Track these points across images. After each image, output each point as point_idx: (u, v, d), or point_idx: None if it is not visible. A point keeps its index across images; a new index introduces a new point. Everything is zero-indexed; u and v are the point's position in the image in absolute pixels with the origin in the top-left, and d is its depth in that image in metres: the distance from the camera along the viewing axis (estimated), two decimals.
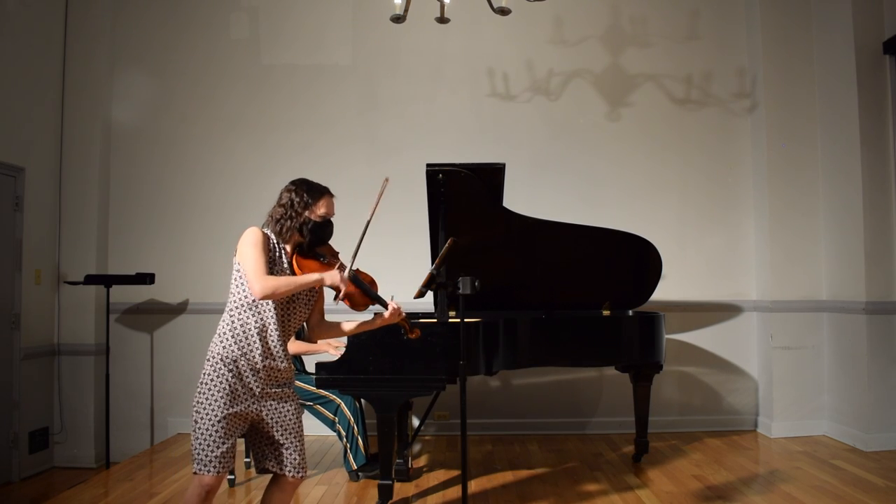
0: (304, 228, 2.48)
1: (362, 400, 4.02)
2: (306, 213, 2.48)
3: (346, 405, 4.08)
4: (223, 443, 2.34)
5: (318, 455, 4.73)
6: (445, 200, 3.89)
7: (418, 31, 5.22)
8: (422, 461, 4.55)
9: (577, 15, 5.49)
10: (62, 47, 5.10)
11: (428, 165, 3.81)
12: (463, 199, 3.94)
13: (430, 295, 3.82)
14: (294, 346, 4.10)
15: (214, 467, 2.33)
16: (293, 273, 2.45)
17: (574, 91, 5.49)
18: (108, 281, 4.81)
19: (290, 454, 2.47)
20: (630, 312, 4.63)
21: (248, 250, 2.34)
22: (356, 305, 2.54)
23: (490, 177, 4.01)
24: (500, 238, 4.29)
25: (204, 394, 2.35)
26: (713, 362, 5.43)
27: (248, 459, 4.49)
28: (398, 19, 3.86)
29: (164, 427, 5.26)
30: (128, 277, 4.79)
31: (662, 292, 4.95)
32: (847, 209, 4.94)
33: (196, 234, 5.34)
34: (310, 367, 4.36)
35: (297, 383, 4.10)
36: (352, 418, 4.06)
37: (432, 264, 3.72)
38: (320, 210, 2.53)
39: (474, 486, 3.96)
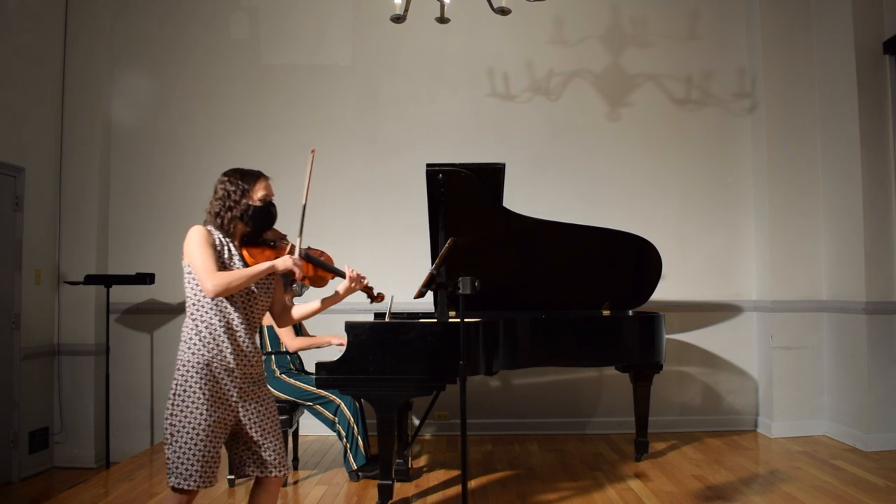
0: (245, 216, 2.40)
1: (362, 400, 4.02)
2: (245, 201, 2.40)
3: (346, 405, 4.07)
4: (206, 454, 2.26)
5: (318, 455, 4.73)
6: (445, 200, 3.89)
7: (418, 31, 5.22)
8: (422, 461, 4.55)
9: (577, 15, 5.49)
10: (62, 47, 5.10)
11: (428, 165, 3.81)
12: (463, 199, 3.94)
13: (430, 295, 3.82)
14: (298, 341, 4.10)
15: (195, 481, 2.24)
16: (246, 266, 2.38)
17: (574, 91, 5.50)
18: (108, 281, 4.81)
19: (270, 454, 2.40)
20: (630, 312, 4.63)
21: (195, 249, 2.28)
22: (316, 282, 2.49)
23: (490, 177, 4.01)
24: (500, 238, 4.29)
25: (178, 405, 2.26)
26: (713, 362, 5.43)
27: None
28: (398, 19, 3.86)
29: (164, 427, 5.25)
30: (128, 277, 4.79)
31: (662, 292, 4.95)
32: (847, 209, 4.94)
33: None
34: (310, 366, 4.36)
35: (297, 383, 4.10)
36: (352, 418, 4.06)
37: (432, 264, 3.72)
38: (258, 194, 2.42)
39: (474, 485, 3.96)
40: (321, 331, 4.67)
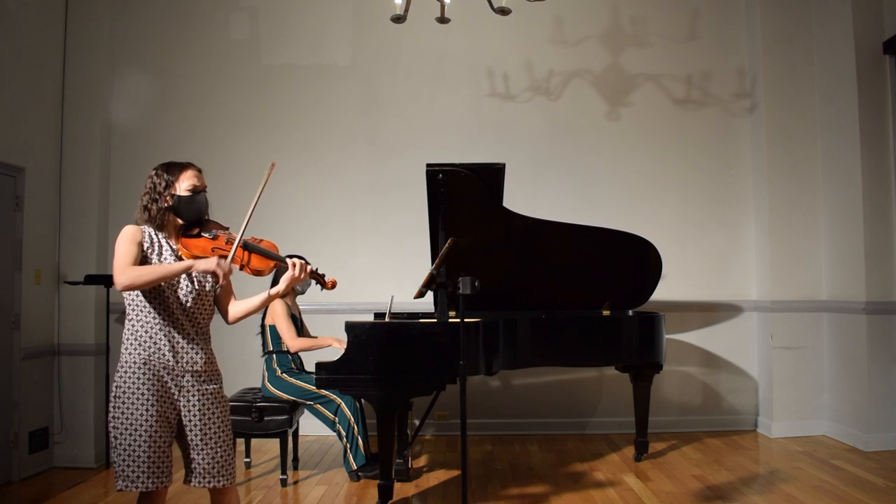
0: (173, 207, 2.37)
1: (362, 400, 4.02)
2: (170, 191, 2.37)
3: (346, 405, 4.08)
4: (151, 454, 2.22)
5: (318, 455, 4.73)
6: (446, 200, 3.89)
7: (418, 31, 5.22)
8: (422, 461, 4.55)
9: (577, 15, 5.49)
10: (62, 47, 5.09)
11: (428, 165, 3.81)
12: (463, 199, 3.94)
13: (430, 295, 3.82)
14: (299, 342, 4.11)
15: (143, 482, 2.20)
16: (179, 259, 2.34)
17: (574, 91, 5.49)
18: (108, 281, 4.80)
19: (207, 461, 2.31)
20: (630, 312, 4.64)
21: (118, 247, 2.28)
22: (260, 273, 2.36)
23: (490, 177, 4.01)
24: (501, 238, 4.29)
25: (119, 407, 2.24)
26: (713, 362, 5.43)
27: (248, 459, 4.50)
28: (398, 19, 3.86)
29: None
30: None
31: (662, 292, 4.95)
32: (847, 209, 4.94)
33: None
34: (309, 366, 4.36)
35: (298, 383, 4.10)
36: (352, 418, 4.06)
37: (432, 264, 3.72)
38: (184, 184, 2.38)
39: (474, 485, 3.96)
40: (321, 331, 4.67)
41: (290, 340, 4.09)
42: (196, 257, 2.31)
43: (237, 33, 5.48)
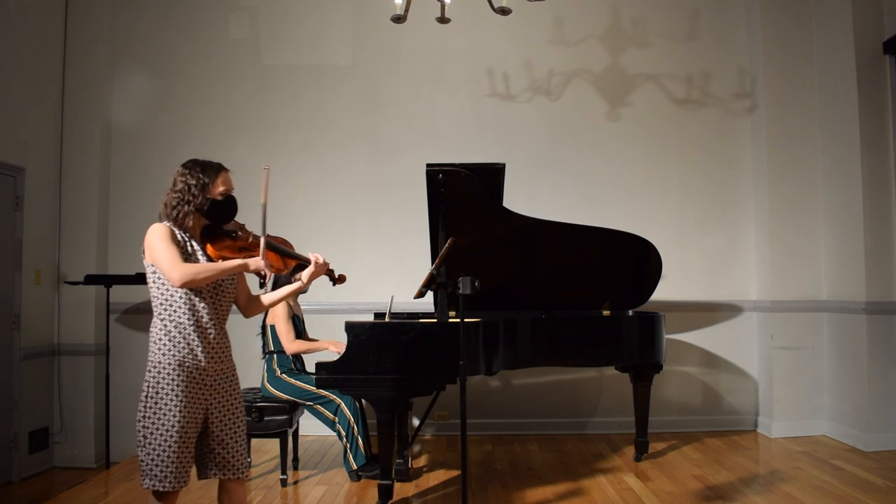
0: (203, 209, 2.37)
1: (362, 400, 4.02)
2: (205, 194, 2.36)
3: (346, 405, 4.08)
4: (180, 455, 2.24)
5: (318, 455, 4.73)
6: (446, 200, 3.89)
7: (419, 31, 5.22)
8: (422, 461, 4.55)
9: (578, 15, 5.49)
10: (62, 47, 5.09)
11: (428, 165, 3.82)
12: (463, 199, 3.95)
13: (430, 295, 3.82)
14: (296, 344, 4.10)
15: (171, 482, 2.23)
16: (209, 260, 2.36)
17: (574, 91, 5.50)
18: (108, 281, 4.81)
19: (234, 455, 2.38)
20: (630, 312, 4.63)
21: (158, 245, 2.27)
22: (281, 270, 2.50)
23: (490, 177, 4.01)
24: (501, 238, 4.29)
25: (151, 407, 2.25)
26: (713, 362, 5.43)
27: (248, 459, 4.49)
28: (399, 19, 3.86)
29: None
30: (128, 277, 4.78)
31: (662, 292, 4.95)
32: (847, 209, 4.94)
33: None
34: (310, 366, 4.36)
35: (298, 383, 4.10)
36: (352, 418, 4.06)
37: (432, 264, 3.72)
38: (219, 188, 2.39)
39: (474, 485, 3.96)
40: (321, 330, 4.68)
41: (287, 342, 4.09)
42: (224, 258, 2.36)
43: (237, 33, 5.48)
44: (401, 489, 3.90)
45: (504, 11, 3.86)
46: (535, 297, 4.55)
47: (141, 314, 5.31)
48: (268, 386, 4.14)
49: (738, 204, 5.49)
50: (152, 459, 2.24)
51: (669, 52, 5.50)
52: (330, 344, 4.12)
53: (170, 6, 5.47)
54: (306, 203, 5.38)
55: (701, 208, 5.49)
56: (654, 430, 4.91)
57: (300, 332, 4.26)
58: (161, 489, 2.24)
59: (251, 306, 2.57)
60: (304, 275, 2.52)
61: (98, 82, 5.17)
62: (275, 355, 4.17)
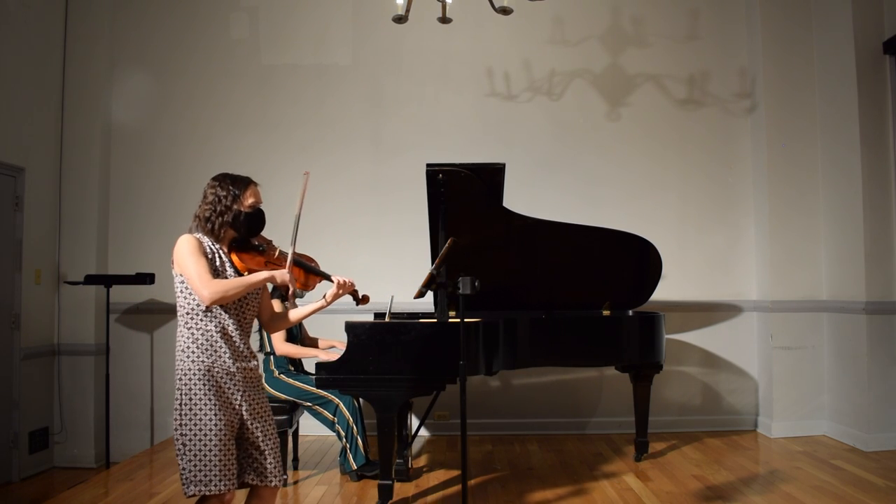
0: (236, 222, 2.40)
1: (361, 400, 4.02)
2: (236, 206, 2.39)
3: (344, 405, 4.07)
4: (222, 457, 2.25)
5: (318, 455, 4.73)
6: (446, 200, 3.89)
7: (420, 31, 5.22)
8: (422, 461, 4.55)
9: (578, 15, 5.49)
10: (62, 47, 5.10)
11: (428, 165, 3.81)
12: (463, 199, 3.94)
13: (430, 295, 3.82)
14: (286, 346, 4.09)
15: (216, 485, 2.23)
16: (237, 272, 2.40)
17: (575, 91, 5.50)
18: (108, 281, 4.81)
19: (271, 462, 2.39)
20: (630, 312, 4.63)
21: (187, 259, 2.27)
22: (306, 287, 2.52)
23: (490, 177, 4.01)
24: (501, 238, 4.29)
25: (187, 414, 2.26)
26: (713, 362, 5.43)
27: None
28: (400, 19, 3.86)
29: (164, 427, 5.26)
30: (128, 277, 4.79)
31: (662, 292, 4.95)
32: (847, 209, 4.94)
33: None
34: (309, 367, 4.36)
35: (296, 383, 4.10)
36: (351, 418, 4.06)
37: (432, 264, 3.72)
38: (248, 200, 2.42)
39: (474, 485, 3.96)
40: (321, 330, 4.68)
41: (278, 344, 4.09)
42: (251, 270, 2.39)
43: (237, 33, 5.48)
44: (401, 489, 3.90)
45: (505, 11, 3.86)
46: (535, 297, 4.55)
47: (141, 314, 5.32)
48: (266, 386, 4.13)
49: (738, 204, 5.49)
50: (195, 465, 2.24)
51: (669, 52, 5.50)
52: (320, 352, 4.10)
53: (170, 6, 5.47)
54: (306, 203, 5.35)
55: (701, 208, 5.49)
56: (654, 430, 4.91)
57: (295, 335, 4.26)
58: (209, 493, 2.24)
59: (276, 323, 2.60)
60: (329, 294, 2.53)
61: (98, 82, 5.17)
62: (271, 356, 4.16)
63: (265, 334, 4.17)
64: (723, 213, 5.49)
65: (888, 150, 4.78)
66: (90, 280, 4.77)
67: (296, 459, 4.42)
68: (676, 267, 5.35)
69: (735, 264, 5.48)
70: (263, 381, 4.15)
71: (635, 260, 4.53)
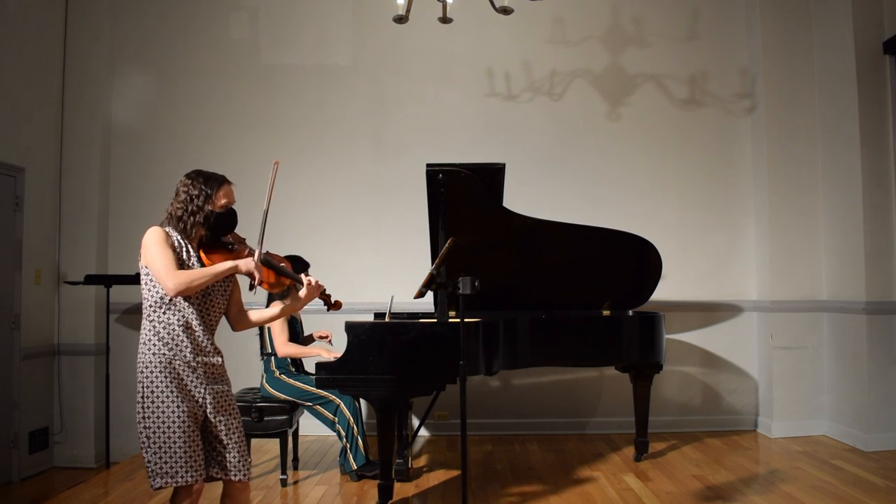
0: (208, 221, 2.39)
1: (361, 400, 4.02)
2: (207, 206, 2.38)
3: (345, 405, 4.08)
4: (187, 449, 2.25)
5: (318, 455, 4.73)
6: (446, 200, 3.89)
7: (420, 31, 5.22)
8: (422, 461, 4.55)
9: (578, 15, 5.49)
10: (62, 47, 5.09)
11: (428, 165, 3.81)
12: (463, 199, 3.94)
13: (430, 295, 3.82)
14: (287, 347, 4.09)
15: (182, 476, 2.23)
16: (203, 266, 2.38)
17: (575, 91, 5.50)
18: (108, 281, 4.81)
19: (234, 455, 2.38)
20: (630, 312, 4.64)
21: (154, 250, 2.28)
22: (274, 288, 2.49)
23: (490, 177, 4.01)
24: (501, 238, 4.29)
25: (149, 407, 2.26)
26: (713, 362, 5.43)
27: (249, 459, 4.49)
28: (401, 19, 3.86)
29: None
30: (128, 277, 4.78)
31: (662, 292, 4.95)
32: (847, 209, 4.94)
33: None
34: (309, 367, 4.36)
35: (297, 383, 4.10)
36: (351, 418, 4.06)
37: (432, 264, 3.72)
38: (221, 200, 2.41)
39: (474, 486, 3.96)
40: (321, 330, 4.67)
41: (280, 345, 4.09)
42: None
43: (237, 33, 5.48)
44: (401, 489, 3.90)
45: (506, 11, 3.86)
46: (535, 297, 4.55)
47: (141, 314, 5.31)
48: (267, 387, 4.14)
49: (738, 204, 5.49)
50: (160, 458, 2.24)
51: (669, 52, 5.50)
52: (322, 350, 4.10)
53: (170, 6, 5.47)
54: (307, 203, 5.38)
55: (701, 208, 5.49)
56: (654, 430, 4.91)
57: (298, 335, 4.25)
58: (175, 484, 2.24)
59: (241, 319, 2.56)
60: (300, 294, 2.51)
61: (98, 82, 5.17)
62: (272, 357, 4.16)
63: (267, 337, 4.17)
64: (723, 213, 5.49)
65: (888, 150, 4.79)
66: (90, 280, 4.76)
67: (296, 459, 4.42)
68: (676, 267, 5.35)
69: (735, 264, 5.48)
70: (264, 381, 4.16)
71: (635, 260, 4.53)
